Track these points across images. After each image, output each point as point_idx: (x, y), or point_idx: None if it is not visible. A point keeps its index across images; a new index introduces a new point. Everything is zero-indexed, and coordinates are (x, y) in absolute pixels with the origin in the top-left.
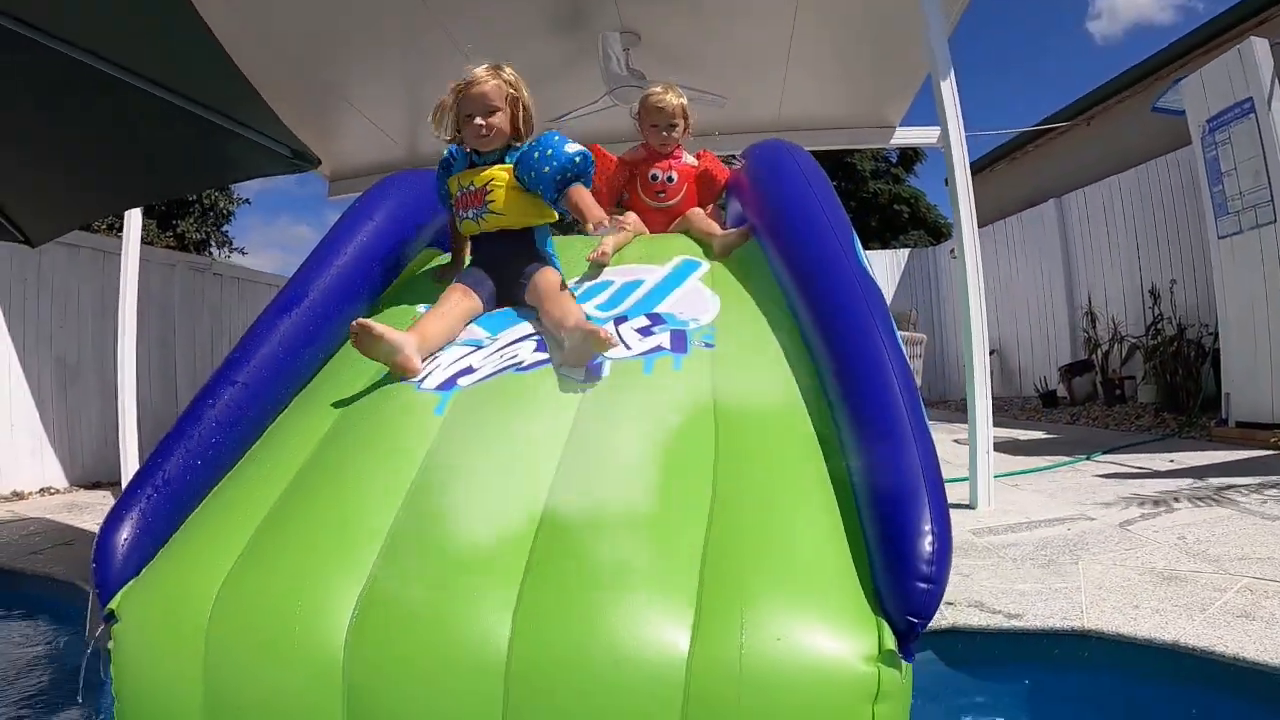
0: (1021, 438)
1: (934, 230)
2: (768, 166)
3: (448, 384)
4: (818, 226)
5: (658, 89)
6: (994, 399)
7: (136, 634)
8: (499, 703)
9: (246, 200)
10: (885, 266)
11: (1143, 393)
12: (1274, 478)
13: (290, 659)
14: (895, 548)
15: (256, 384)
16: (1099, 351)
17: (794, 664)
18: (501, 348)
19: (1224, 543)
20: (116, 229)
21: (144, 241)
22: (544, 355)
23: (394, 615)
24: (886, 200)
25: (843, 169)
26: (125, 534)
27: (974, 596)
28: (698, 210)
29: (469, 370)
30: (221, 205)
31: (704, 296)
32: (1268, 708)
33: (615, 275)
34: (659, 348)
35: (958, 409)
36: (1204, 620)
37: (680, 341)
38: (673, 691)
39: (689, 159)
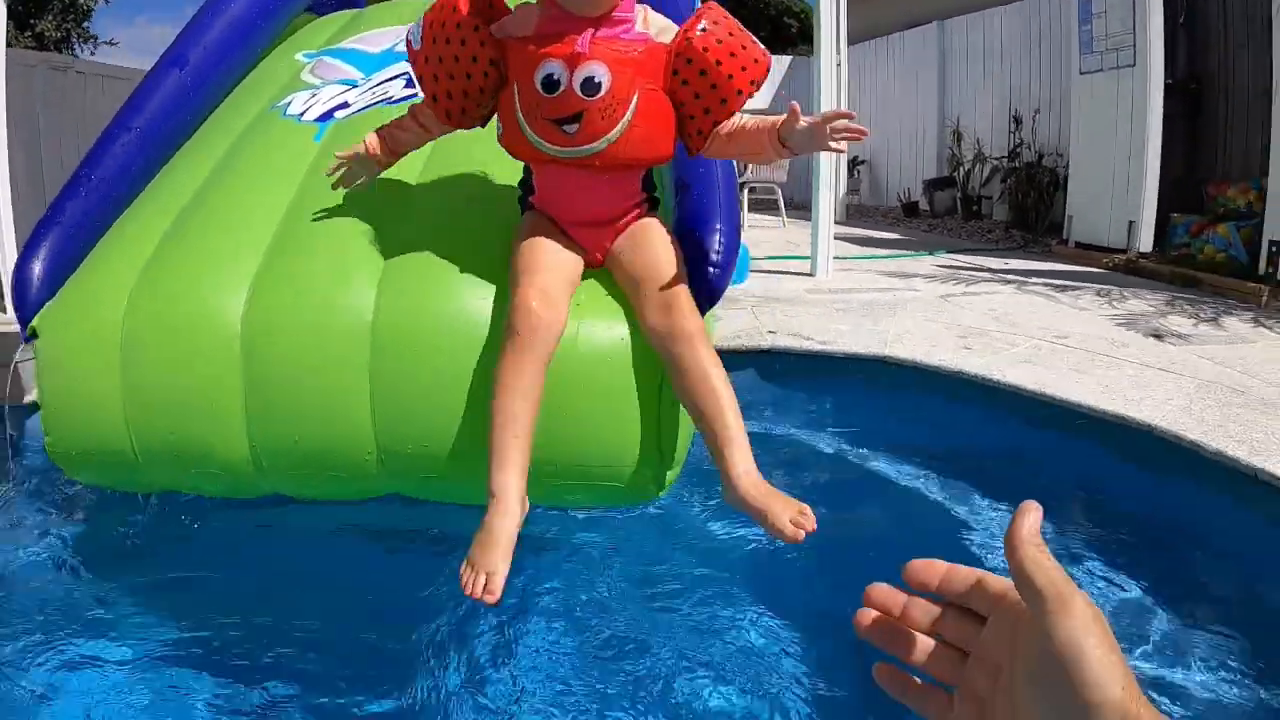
0: (877, 236)
1: None
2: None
3: (325, 116)
4: None
5: None
6: (861, 206)
7: (58, 341)
8: (366, 353)
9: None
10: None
11: (997, 211)
12: (1092, 285)
13: (195, 334)
14: (697, 248)
15: (150, 129)
16: (961, 169)
17: (616, 342)
18: (374, 86)
19: (1029, 316)
20: None
21: None
22: (412, 91)
23: (282, 290)
24: (776, 11)
25: None
26: (38, 267)
27: (795, 329)
28: (759, 122)
29: (344, 105)
30: (81, 2)
31: None
32: (1027, 423)
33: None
34: None
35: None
36: (991, 358)
37: None
38: None
39: (635, 29)
